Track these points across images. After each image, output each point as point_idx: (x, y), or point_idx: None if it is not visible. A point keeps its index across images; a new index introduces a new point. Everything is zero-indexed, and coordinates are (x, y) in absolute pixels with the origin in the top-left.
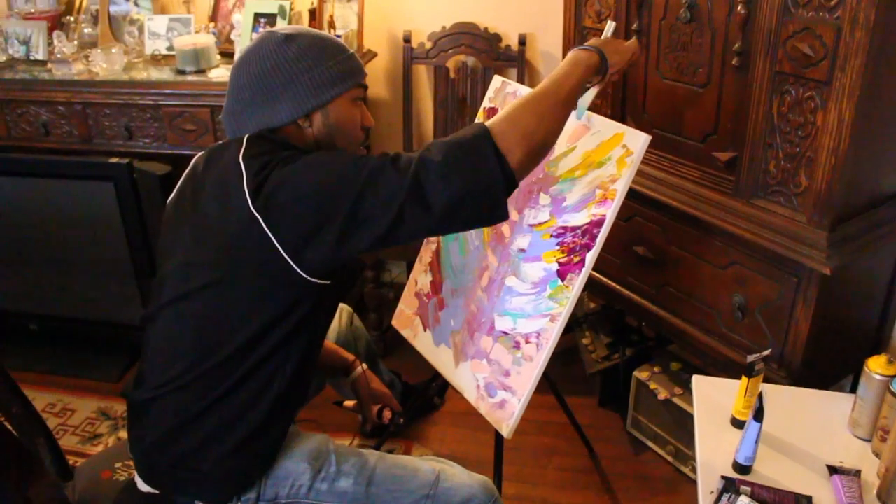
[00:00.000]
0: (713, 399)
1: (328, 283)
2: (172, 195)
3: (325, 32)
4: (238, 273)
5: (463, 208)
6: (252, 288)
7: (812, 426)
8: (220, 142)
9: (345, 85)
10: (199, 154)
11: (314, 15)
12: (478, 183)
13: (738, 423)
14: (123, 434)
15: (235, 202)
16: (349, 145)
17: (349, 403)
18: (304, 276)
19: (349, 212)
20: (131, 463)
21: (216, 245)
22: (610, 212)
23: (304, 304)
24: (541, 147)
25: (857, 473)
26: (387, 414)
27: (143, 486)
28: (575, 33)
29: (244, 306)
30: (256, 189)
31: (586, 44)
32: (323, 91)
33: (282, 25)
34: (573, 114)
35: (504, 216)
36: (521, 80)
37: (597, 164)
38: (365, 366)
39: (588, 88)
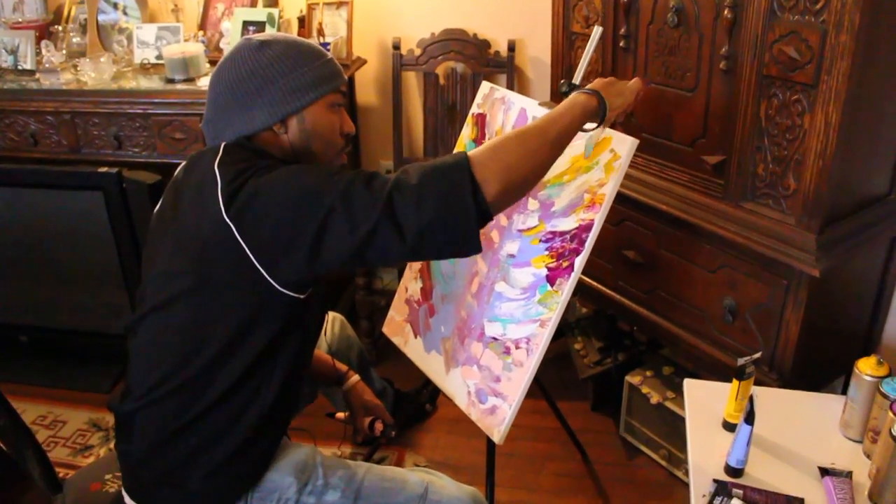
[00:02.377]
0: (705, 402)
1: (301, 296)
2: (158, 204)
3: (302, 38)
4: (212, 280)
5: (433, 235)
6: (226, 295)
7: (803, 428)
8: (199, 150)
9: (321, 90)
10: (182, 163)
11: (303, 22)
12: (450, 210)
13: (729, 427)
14: (114, 445)
15: (209, 209)
16: (327, 152)
17: (341, 415)
18: (278, 287)
19: (319, 227)
20: (121, 475)
21: (192, 253)
22: (598, 216)
23: (278, 313)
24: (521, 183)
25: (849, 475)
26: (378, 426)
27: (129, 502)
28: (563, 39)
29: (219, 314)
30: (230, 197)
31: (588, 86)
32: (298, 96)
33: (270, 32)
34: (582, 149)
35: (476, 248)
36: (510, 86)
37: (585, 168)
38: (357, 377)
39: (595, 128)
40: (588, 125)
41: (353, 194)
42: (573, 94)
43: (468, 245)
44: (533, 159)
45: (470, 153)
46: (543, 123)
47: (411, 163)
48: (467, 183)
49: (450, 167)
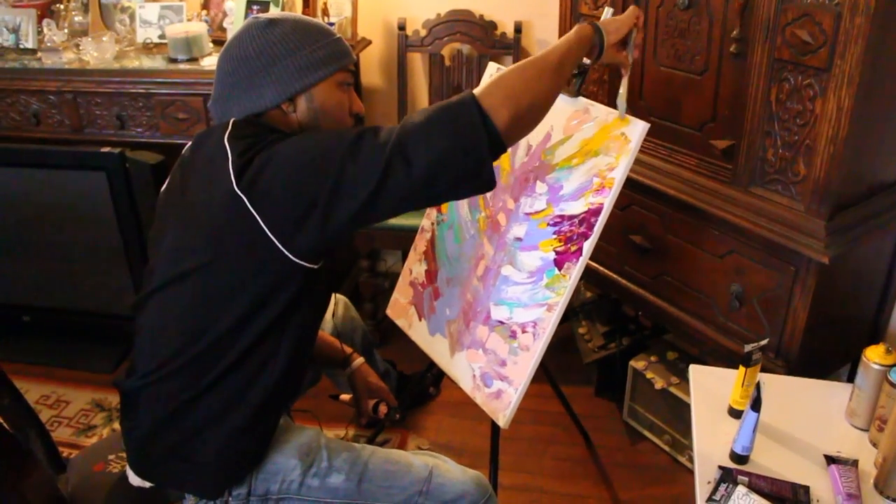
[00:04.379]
0: (710, 388)
1: (315, 266)
2: (165, 184)
3: (310, 17)
4: (225, 255)
5: (446, 167)
6: (237, 269)
7: (809, 416)
8: (207, 128)
9: (329, 68)
10: (190, 142)
11: (308, 2)
12: (461, 139)
13: (735, 413)
14: (118, 425)
15: (220, 183)
16: None
17: (345, 397)
18: (292, 258)
19: (333, 183)
20: (124, 455)
21: (203, 227)
22: (607, 200)
23: (289, 287)
24: (528, 110)
25: (855, 463)
26: (382, 409)
27: (134, 480)
28: (571, 20)
29: (229, 289)
30: (241, 169)
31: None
32: (306, 74)
33: (278, 11)
34: (619, 110)
35: (491, 180)
36: None
37: (594, 152)
38: (362, 359)
39: (595, 60)
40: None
41: (362, 144)
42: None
43: (482, 176)
44: (537, 85)
45: (473, 90)
46: (542, 53)
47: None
48: (476, 113)
49: (455, 102)
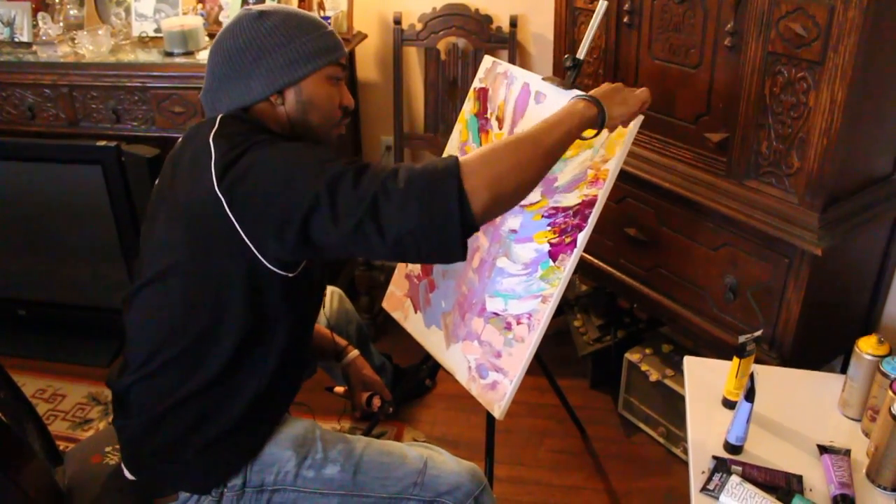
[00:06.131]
0: (705, 380)
1: (290, 275)
2: (158, 178)
3: (302, 10)
4: (204, 253)
5: (415, 241)
6: (217, 268)
7: (803, 406)
8: (197, 123)
9: (319, 62)
10: (181, 136)
11: None
12: (433, 219)
13: (729, 404)
14: None
15: (203, 182)
16: (324, 125)
17: (339, 389)
18: (267, 264)
19: (304, 215)
20: None
21: (185, 225)
22: (602, 192)
23: (270, 290)
24: (511, 195)
25: (847, 453)
26: (376, 402)
27: (129, 476)
28: (567, 14)
29: (210, 287)
30: (223, 171)
31: (590, 93)
32: (295, 67)
33: (270, 3)
34: (590, 151)
35: (460, 257)
36: (512, 62)
37: (588, 144)
38: (357, 352)
39: (594, 136)
40: (587, 133)
41: (339, 189)
42: (573, 100)
43: (451, 255)
44: (525, 170)
45: (461, 159)
46: (538, 132)
47: (403, 164)
48: (454, 191)
49: (440, 172)
